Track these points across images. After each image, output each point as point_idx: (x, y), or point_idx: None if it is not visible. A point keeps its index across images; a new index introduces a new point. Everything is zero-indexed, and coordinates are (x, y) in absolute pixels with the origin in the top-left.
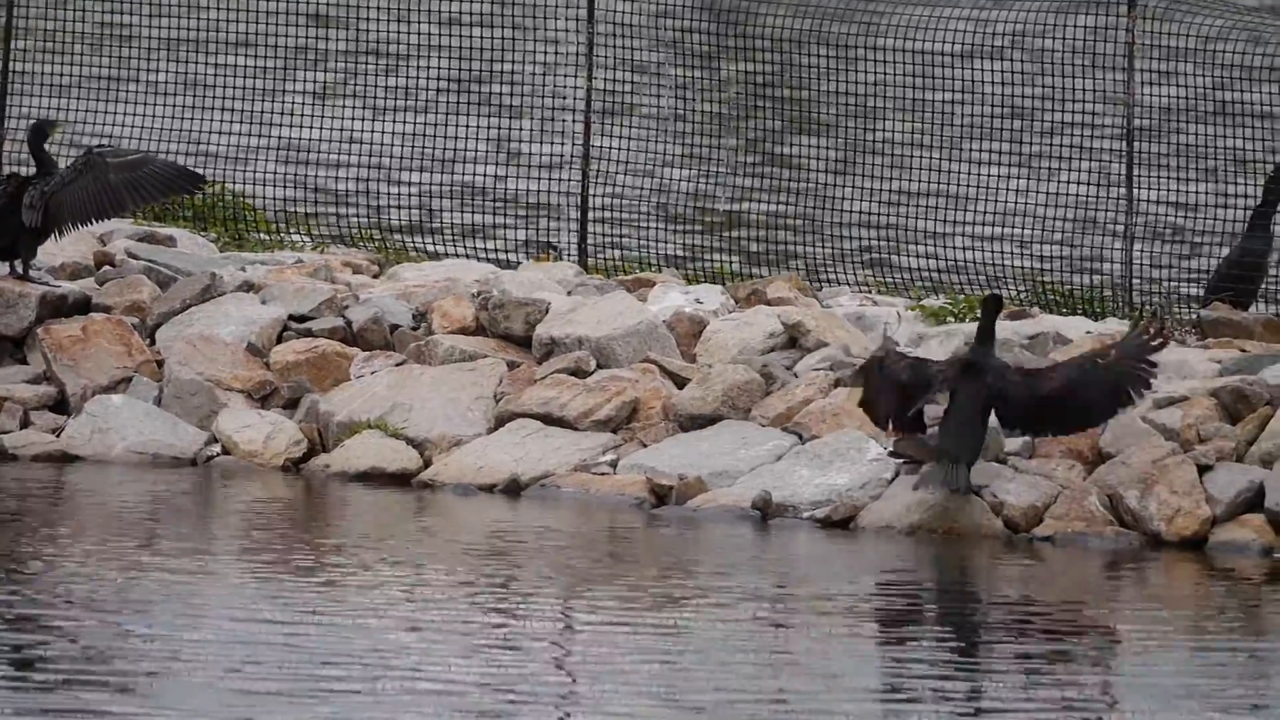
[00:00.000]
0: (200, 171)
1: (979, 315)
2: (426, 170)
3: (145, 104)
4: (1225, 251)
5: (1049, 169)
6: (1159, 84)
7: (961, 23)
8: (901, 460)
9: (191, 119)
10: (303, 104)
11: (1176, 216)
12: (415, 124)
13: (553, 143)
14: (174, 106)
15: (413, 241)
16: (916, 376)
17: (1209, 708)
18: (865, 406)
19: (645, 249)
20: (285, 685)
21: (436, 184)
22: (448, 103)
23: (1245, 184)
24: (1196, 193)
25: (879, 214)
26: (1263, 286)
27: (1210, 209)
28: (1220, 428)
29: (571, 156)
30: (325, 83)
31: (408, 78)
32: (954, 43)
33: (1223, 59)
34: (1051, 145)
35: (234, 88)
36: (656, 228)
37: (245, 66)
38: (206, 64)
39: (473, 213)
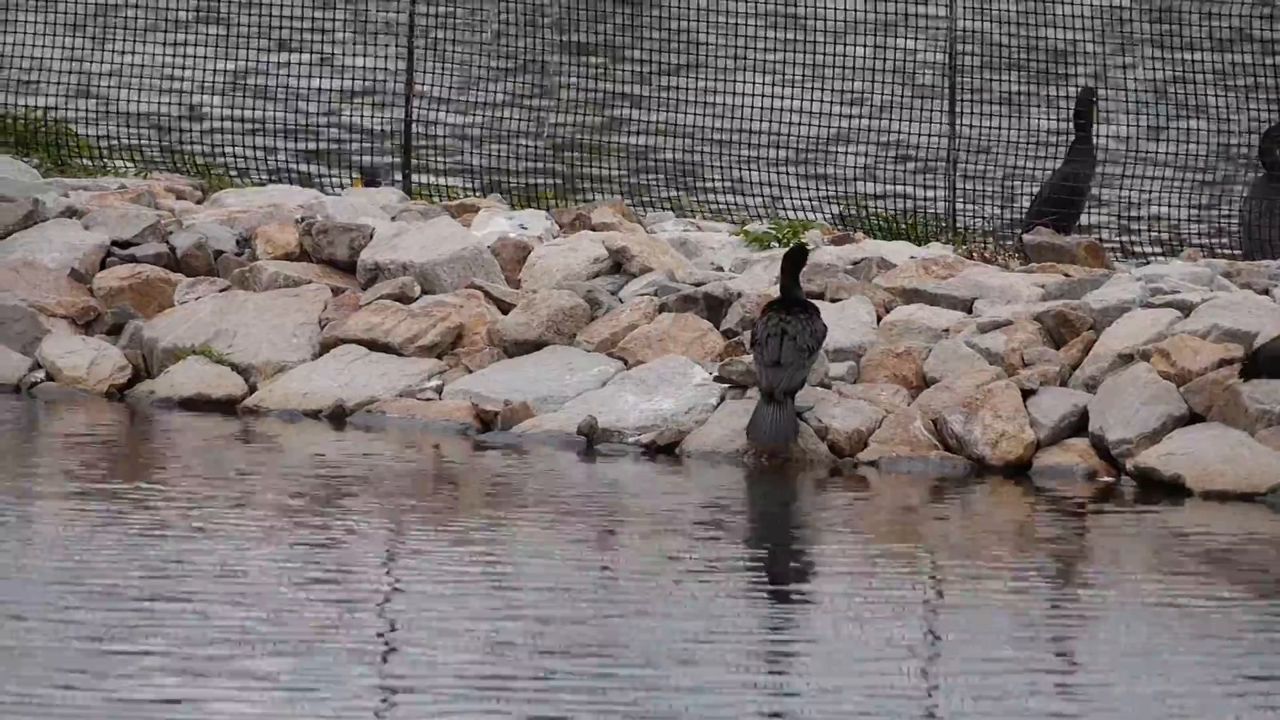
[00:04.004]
0: None
1: (780, 270)
2: (251, 95)
3: None
4: (1047, 175)
5: (872, 92)
6: (982, 6)
7: None
8: (727, 385)
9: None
10: (126, 28)
11: (999, 140)
12: (236, 48)
13: (376, 68)
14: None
15: (237, 164)
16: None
17: (1025, 640)
18: None
19: (470, 175)
20: (105, 610)
21: (261, 110)
22: (269, 27)
23: (1065, 109)
24: (1019, 116)
25: (706, 140)
26: (1084, 210)
27: (1032, 133)
28: (1044, 352)
29: (395, 82)
30: (148, 6)
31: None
32: None
33: None
34: (875, 69)
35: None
36: (481, 153)
37: None
38: None
39: (299, 139)
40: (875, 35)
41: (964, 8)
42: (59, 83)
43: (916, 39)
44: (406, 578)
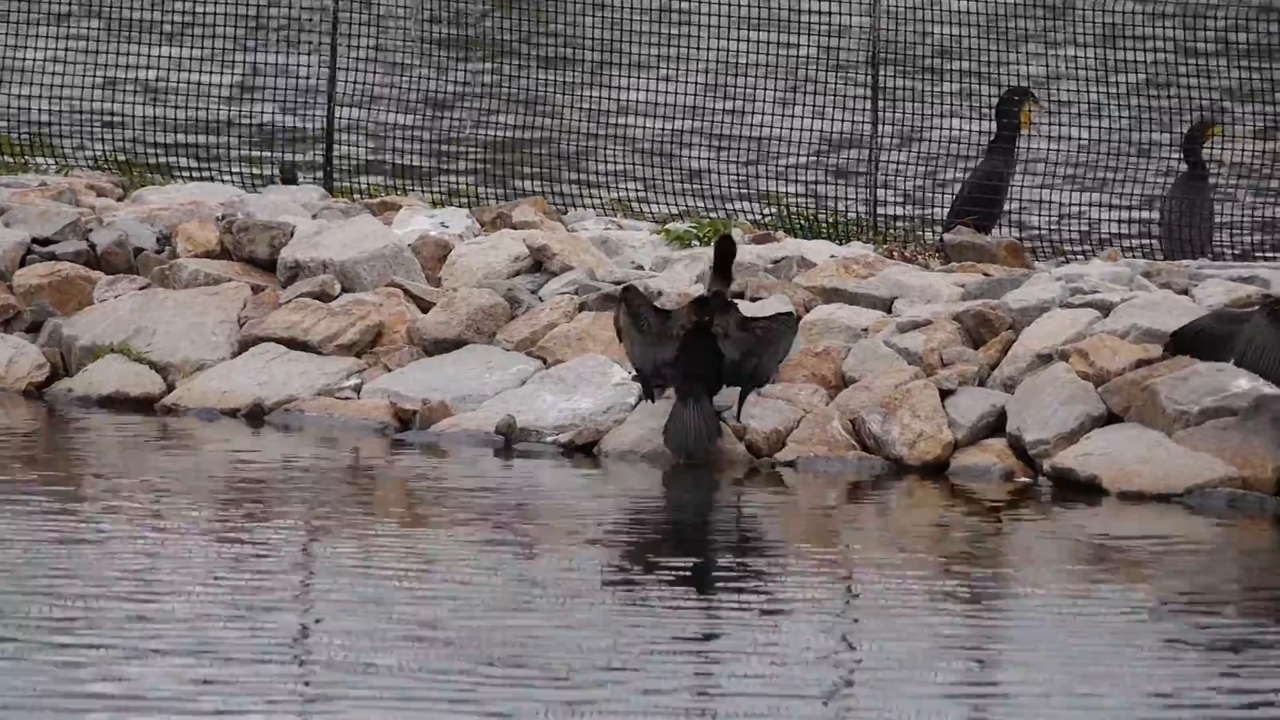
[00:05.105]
0: None
1: (712, 259)
2: (172, 93)
3: None
4: (967, 173)
5: (793, 91)
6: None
7: None
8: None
9: None
10: (47, 23)
11: (921, 139)
12: (158, 45)
13: (299, 65)
14: None
15: (159, 162)
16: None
17: (944, 641)
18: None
19: (391, 172)
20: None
21: (180, 106)
22: (193, 24)
23: (988, 105)
24: (941, 115)
25: (627, 137)
26: (1004, 209)
27: (955, 132)
28: (963, 352)
29: (318, 80)
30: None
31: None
32: None
33: None
34: (796, 67)
35: None
36: (402, 151)
37: None
38: None
39: (218, 135)
40: (795, 32)
41: (887, 6)
42: None
43: (839, 36)
44: (318, 581)
